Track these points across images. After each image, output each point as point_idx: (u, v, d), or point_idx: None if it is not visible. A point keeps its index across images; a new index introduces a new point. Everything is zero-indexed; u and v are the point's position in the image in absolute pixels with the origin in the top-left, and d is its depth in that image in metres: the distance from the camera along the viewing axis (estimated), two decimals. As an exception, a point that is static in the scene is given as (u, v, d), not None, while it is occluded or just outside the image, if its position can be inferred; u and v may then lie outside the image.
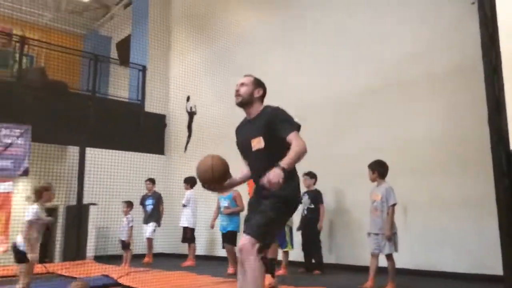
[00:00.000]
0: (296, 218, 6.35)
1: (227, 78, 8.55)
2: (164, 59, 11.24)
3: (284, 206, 2.88)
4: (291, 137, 2.81)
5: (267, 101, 3.15)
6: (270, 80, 3.42)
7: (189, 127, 9.88)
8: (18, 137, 7.78)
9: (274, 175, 2.59)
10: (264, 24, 8.72)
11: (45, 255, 9.24)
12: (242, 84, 3.10)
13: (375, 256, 4.72)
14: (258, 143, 2.96)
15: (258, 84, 3.13)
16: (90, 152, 8.81)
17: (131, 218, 7.28)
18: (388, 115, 6.38)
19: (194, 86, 9.58)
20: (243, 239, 2.75)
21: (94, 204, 8.60)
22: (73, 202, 8.95)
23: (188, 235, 7.86)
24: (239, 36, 9.04)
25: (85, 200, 8.77)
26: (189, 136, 9.87)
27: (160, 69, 11.06)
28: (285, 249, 6.19)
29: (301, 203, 3.01)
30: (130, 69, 11.24)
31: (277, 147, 2.84)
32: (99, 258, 8.36)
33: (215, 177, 2.90)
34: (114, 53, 13.09)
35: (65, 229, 9.48)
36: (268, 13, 8.75)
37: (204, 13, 9.85)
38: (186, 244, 8.01)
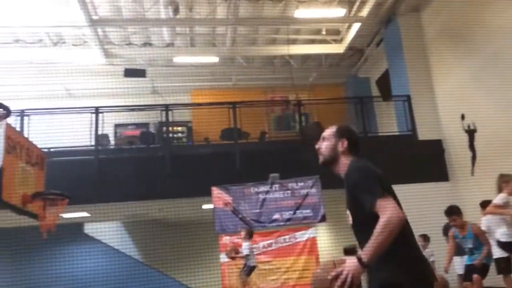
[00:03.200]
0: None
1: (505, 82, 7.56)
2: (426, 82, 10.82)
3: None
4: (376, 210, 2.13)
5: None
6: None
7: (471, 146, 9.02)
8: (311, 187, 8.77)
9: (348, 268, 2.01)
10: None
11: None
12: (323, 139, 2.51)
13: None
14: (348, 218, 2.39)
15: (341, 134, 2.46)
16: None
17: (431, 252, 7.01)
18: None
19: (466, 102, 8.82)
20: None
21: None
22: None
23: (502, 264, 6.92)
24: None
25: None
26: (474, 156, 8.99)
27: (424, 94, 10.67)
28: None
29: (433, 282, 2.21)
30: (394, 102, 11.29)
31: (367, 223, 2.15)
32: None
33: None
34: (375, 92, 13.50)
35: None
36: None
37: (461, 24, 9.14)
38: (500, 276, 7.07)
